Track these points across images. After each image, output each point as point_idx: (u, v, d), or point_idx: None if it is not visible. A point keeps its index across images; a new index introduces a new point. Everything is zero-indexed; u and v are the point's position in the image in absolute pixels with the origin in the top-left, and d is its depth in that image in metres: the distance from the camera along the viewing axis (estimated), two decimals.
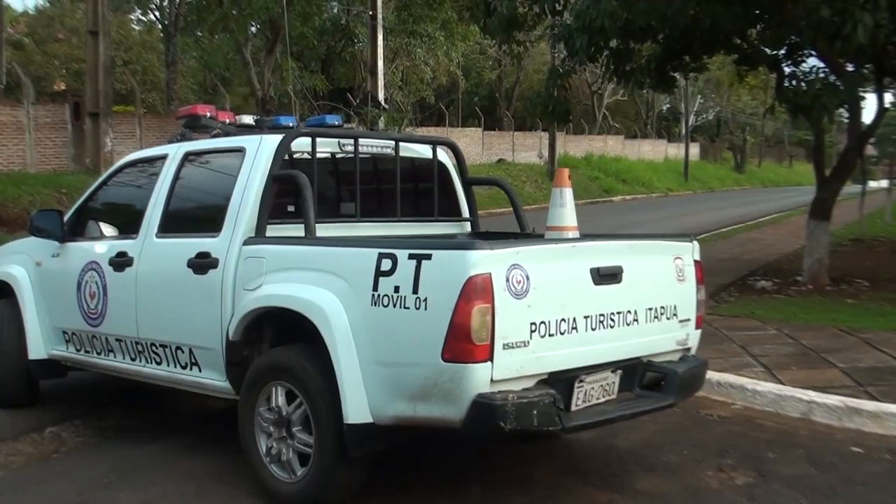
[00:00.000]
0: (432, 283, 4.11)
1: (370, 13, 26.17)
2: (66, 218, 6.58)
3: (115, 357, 6.08)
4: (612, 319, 4.62)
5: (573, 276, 4.48)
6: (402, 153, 5.95)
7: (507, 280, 4.09)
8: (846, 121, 12.62)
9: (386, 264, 4.27)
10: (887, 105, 12.73)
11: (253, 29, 24.58)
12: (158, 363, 5.70)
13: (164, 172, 5.93)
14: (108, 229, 6.31)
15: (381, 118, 25.80)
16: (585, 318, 4.47)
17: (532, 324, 4.19)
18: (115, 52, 27.16)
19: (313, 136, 5.42)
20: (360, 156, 5.66)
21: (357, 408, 4.30)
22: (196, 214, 5.82)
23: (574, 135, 45.44)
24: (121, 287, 5.87)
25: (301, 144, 5.39)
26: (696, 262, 5.25)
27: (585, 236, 5.32)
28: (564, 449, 5.82)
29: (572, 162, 40.96)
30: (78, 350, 6.41)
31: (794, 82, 10.99)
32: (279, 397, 4.72)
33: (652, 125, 60.39)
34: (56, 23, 35.90)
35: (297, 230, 5.07)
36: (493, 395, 4.03)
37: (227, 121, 6.29)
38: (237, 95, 35.17)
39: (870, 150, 18.77)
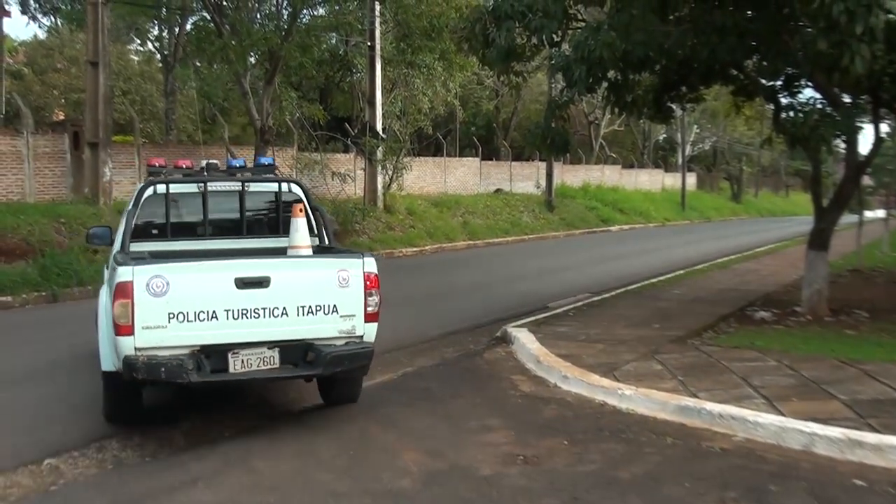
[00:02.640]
0: (112, 286, 6.47)
1: (368, 44, 26.31)
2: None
3: None
4: (257, 313, 6.64)
5: (216, 282, 6.58)
6: (264, 188, 8.50)
7: (148, 285, 6.36)
8: (843, 151, 12.66)
9: (110, 273, 6.80)
10: (883, 135, 12.78)
11: (252, 59, 24.62)
12: None
13: (131, 204, 8.17)
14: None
15: (379, 148, 25.87)
16: (227, 311, 6.55)
17: (170, 314, 6.41)
18: (114, 82, 27.25)
19: (167, 184, 8.07)
20: (226, 191, 8.33)
21: (105, 360, 6.83)
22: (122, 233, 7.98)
23: (571, 164, 45.52)
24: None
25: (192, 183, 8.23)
26: (366, 273, 6.99)
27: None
28: (567, 482, 5.79)
29: (570, 192, 41.06)
30: None
31: (791, 113, 11.03)
32: None
33: (649, 155, 60.53)
34: (55, 53, 36.02)
35: (160, 245, 8.03)
36: (131, 357, 6.33)
37: (185, 166, 8.48)
38: (236, 125, 35.25)
39: (866, 180, 18.85)
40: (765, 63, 11.38)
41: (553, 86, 32.74)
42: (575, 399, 7.98)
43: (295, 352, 6.85)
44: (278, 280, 6.76)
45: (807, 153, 12.19)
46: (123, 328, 6.35)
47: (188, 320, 6.47)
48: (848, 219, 16.29)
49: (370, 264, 7.07)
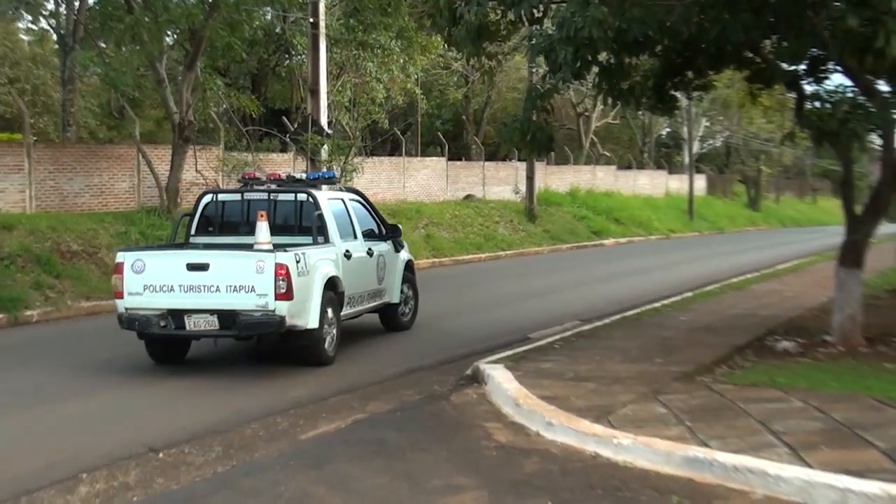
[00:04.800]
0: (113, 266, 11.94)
1: (310, 20, 26.23)
2: None
3: None
4: (200, 289, 11.25)
5: (174, 265, 11.46)
6: (290, 198, 13.22)
7: (132, 265, 11.40)
8: (879, 149, 12.78)
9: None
10: None
11: (169, 40, 24.50)
12: None
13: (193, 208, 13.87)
14: None
15: (324, 146, 25.76)
16: (180, 285, 11.27)
17: (144, 285, 11.32)
18: None
19: (216, 193, 13.67)
20: (258, 198, 13.16)
21: (118, 307, 11.68)
22: None
23: (557, 165, 45.75)
24: None
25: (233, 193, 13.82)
26: (277, 264, 11.10)
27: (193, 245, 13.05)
28: None
29: (555, 198, 41.24)
30: None
31: (816, 103, 11.12)
32: None
33: (649, 153, 61.04)
34: None
35: (212, 239, 13.11)
36: (121, 313, 11.54)
37: (273, 178, 13.87)
38: (149, 119, 35.03)
39: None
40: (785, 44, 11.47)
41: (534, 71, 32.82)
42: (561, 450, 7.96)
43: (228, 318, 11.26)
44: (214, 266, 11.38)
45: (836, 151, 12.31)
46: (117, 294, 11.61)
47: (156, 290, 11.41)
48: (886, 229, 16.45)
49: (281, 258, 11.22)
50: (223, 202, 13.51)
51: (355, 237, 13.65)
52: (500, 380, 10.09)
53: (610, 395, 9.37)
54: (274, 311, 11.09)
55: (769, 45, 12.22)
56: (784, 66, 12.04)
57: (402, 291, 14.99)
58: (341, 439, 8.56)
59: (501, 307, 17.80)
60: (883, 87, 11.42)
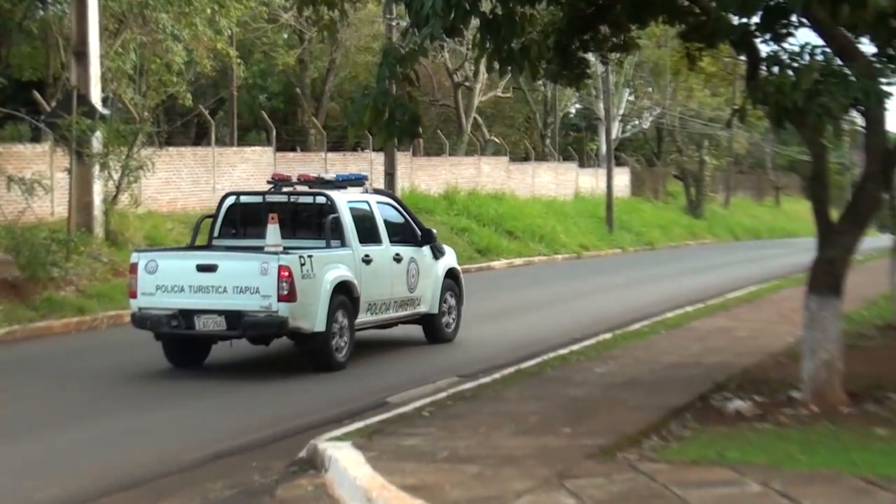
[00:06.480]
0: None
1: None
2: None
3: None
4: (208, 289, 15.68)
5: (184, 266, 16.25)
6: (309, 200, 17.79)
7: (146, 266, 16.19)
8: (862, 131, 12.98)
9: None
10: None
11: None
12: None
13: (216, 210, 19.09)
14: None
15: (97, 132, 25.24)
16: (189, 286, 15.79)
17: (157, 286, 16.03)
18: None
19: (238, 195, 18.70)
20: (278, 200, 17.74)
21: (132, 306, 16.85)
22: None
23: (427, 157, 45.99)
24: None
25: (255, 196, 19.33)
26: (280, 266, 15.05)
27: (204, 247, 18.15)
28: None
29: (425, 202, 41.30)
30: None
31: (775, 69, 11.22)
32: None
33: (553, 139, 61.73)
34: None
35: (234, 241, 17.68)
36: (135, 313, 16.49)
37: (303, 179, 18.29)
38: None
39: None
40: None
41: (392, 26, 32.96)
42: None
43: (234, 318, 15.19)
44: (222, 267, 15.40)
45: (802, 135, 12.46)
46: (131, 293, 15.98)
47: (167, 291, 15.49)
48: (874, 242, 16.71)
49: (284, 260, 15.06)
50: (245, 204, 17.98)
51: (380, 241, 17.69)
52: (347, 464, 10.00)
53: (499, 482, 9.31)
54: (277, 312, 15.07)
55: None
56: (731, 17, 12.15)
57: (443, 301, 19.00)
58: None
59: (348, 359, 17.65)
60: (867, 47, 11.59)
